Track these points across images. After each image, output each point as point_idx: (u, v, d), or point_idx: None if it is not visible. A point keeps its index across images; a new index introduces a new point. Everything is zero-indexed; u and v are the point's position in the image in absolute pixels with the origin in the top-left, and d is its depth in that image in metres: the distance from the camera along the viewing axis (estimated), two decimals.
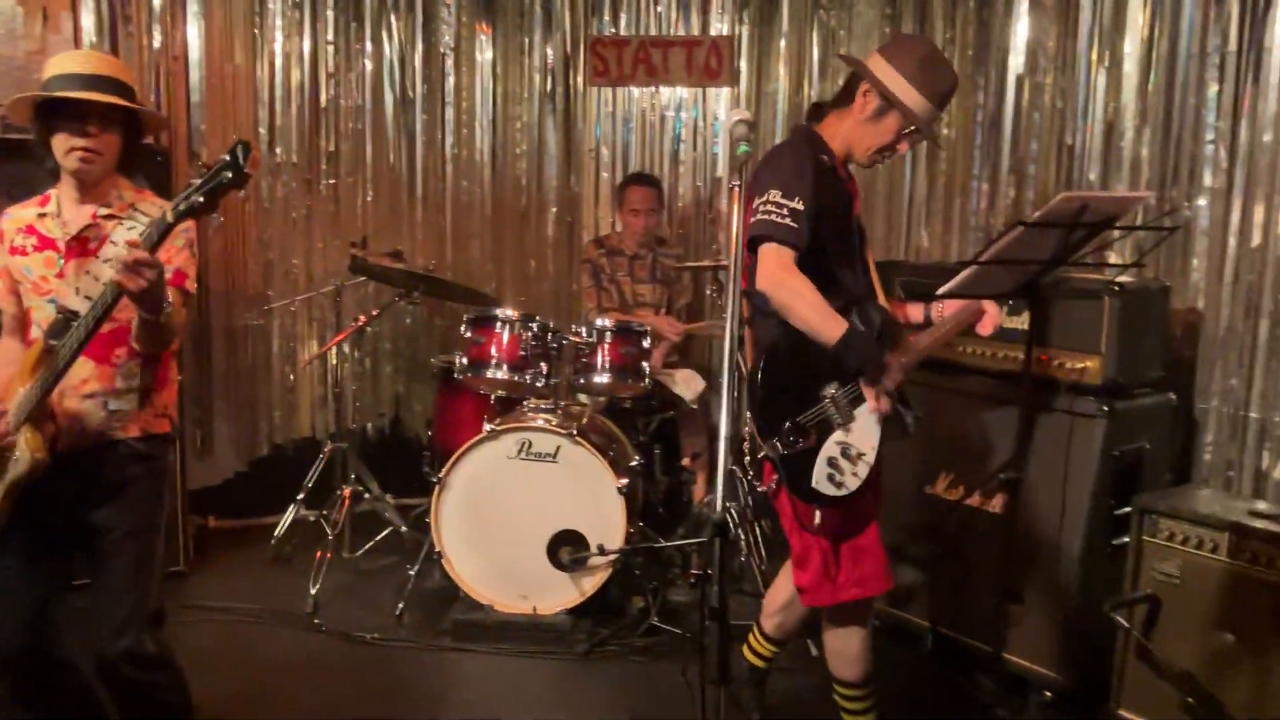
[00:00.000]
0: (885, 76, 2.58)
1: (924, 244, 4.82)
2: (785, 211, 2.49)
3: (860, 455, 2.59)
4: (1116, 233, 3.52)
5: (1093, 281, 3.31)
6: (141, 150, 2.65)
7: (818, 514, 2.61)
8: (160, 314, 2.32)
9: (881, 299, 2.85)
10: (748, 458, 2.63)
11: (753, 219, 2.54)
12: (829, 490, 2.57)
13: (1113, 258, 3.65)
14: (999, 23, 4.40)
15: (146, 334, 2.41)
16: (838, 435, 2.58)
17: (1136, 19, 3.76)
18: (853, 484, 2.58)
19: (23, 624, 2.50)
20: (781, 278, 2.49)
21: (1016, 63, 4.32)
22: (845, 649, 2.82)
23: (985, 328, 2.81)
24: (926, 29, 4.73)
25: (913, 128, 2.61)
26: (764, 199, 2.53)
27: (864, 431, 2.61)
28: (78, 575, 2.61)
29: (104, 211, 2.52)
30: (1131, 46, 3.75)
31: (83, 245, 2.51)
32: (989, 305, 2.78)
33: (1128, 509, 3.19)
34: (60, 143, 2.45)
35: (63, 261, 2.51)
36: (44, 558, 2.55)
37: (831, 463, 2.56)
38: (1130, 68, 3.76)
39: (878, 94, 2.60)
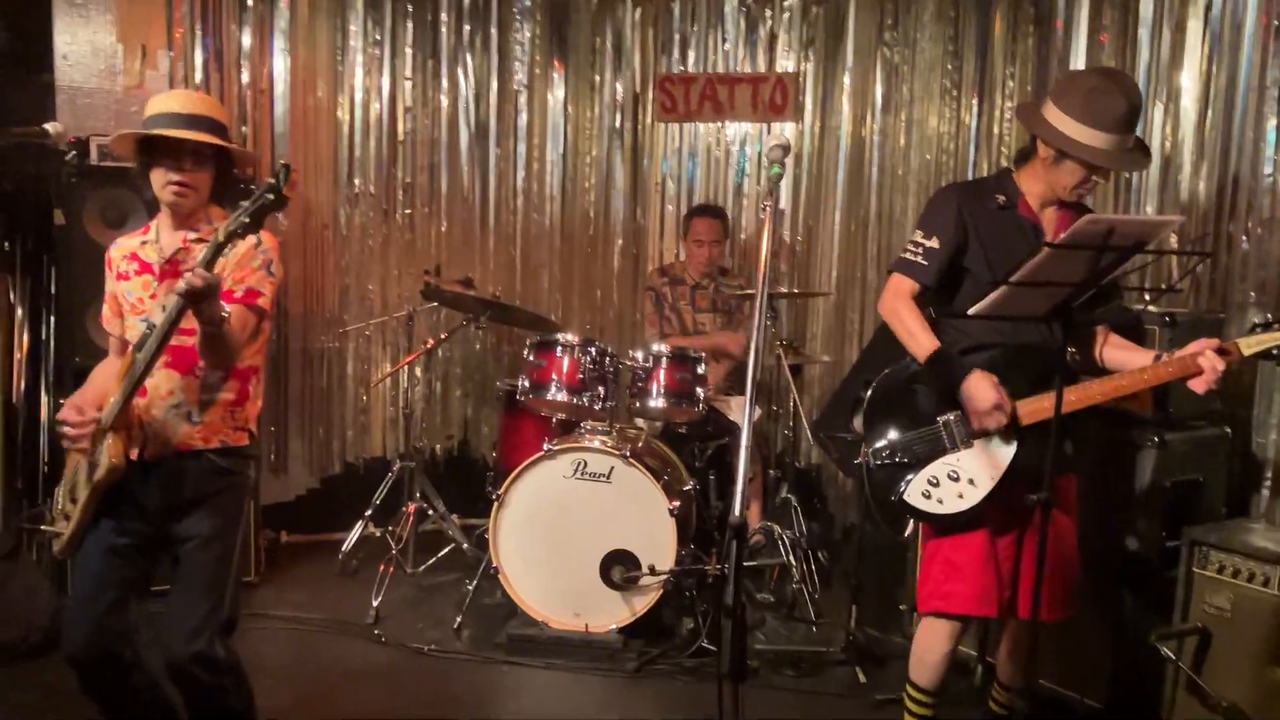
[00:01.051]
0: (1056, 121, 2.64)
1: None
2: (920, 250, 2.79)
3: (971, 481, 2.72)
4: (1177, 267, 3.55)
5: (1147, 312, 3.32)
6: (232, 182, 2.86)
7: (910, 523, 2.82)
8: (215, 325, 2.45)
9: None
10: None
11: None
12: (921, 504, 2.75)
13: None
14: (1058, 59, 4.43)
15: (207, 345, 2.55)
16: (947, 458, 2.75)
17: (1195, 53, 3.77)
18: (953, 505, 2.73)
19: (95, 623, 2.62)
20: (888, 302, 2.83)
21: None
22: (925, 655, 2.92)
23: (1200, 385, 2.55)
24: (986, 65, 4.78)
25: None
26: (909, 238, 2.84)
27: (983, 460, 2.72)
28: (160, 581, 2.75)
29: (193, 236, 2.70)
30: (1189, 81, 3.76)
31: (174, 267, 2.68)
32: (1207, 362, 2.52)
33: (1179, 541, 3.17)
34: (158, 177, 2.63)
35: (157, 284, 2.69)
36: (123, 561, 2.67)
37: (932, 480, 2.75)
38: (1188, 102, 3.76)
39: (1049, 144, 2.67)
